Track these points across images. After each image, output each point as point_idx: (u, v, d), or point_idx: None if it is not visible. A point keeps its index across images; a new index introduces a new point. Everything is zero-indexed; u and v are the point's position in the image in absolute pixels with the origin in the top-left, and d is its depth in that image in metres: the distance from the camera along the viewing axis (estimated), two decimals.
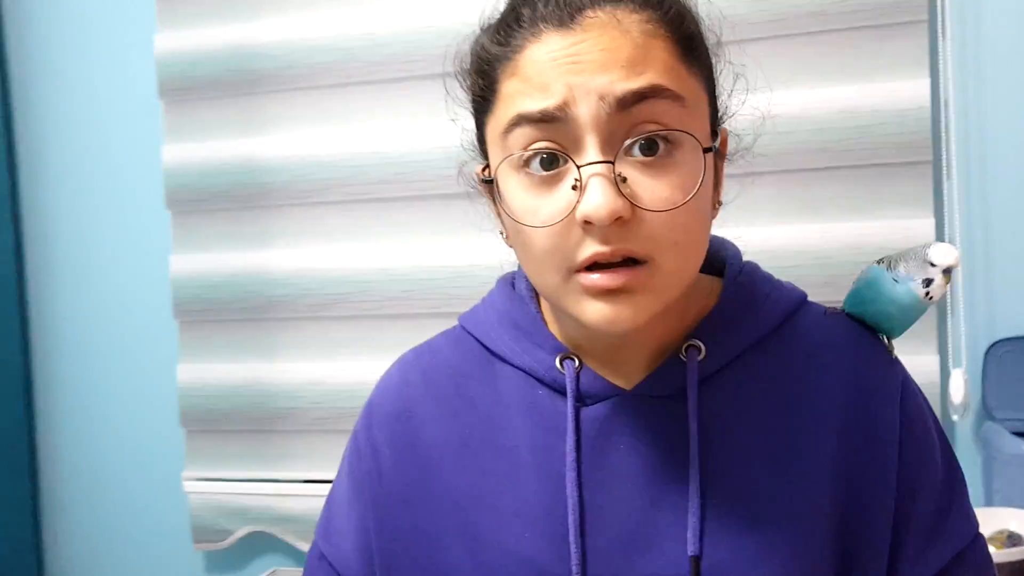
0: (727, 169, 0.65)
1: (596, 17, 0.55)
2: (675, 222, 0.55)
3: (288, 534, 1.67)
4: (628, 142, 0.54)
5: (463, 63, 0.64)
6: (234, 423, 1.70)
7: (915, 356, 1.42)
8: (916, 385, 0.67)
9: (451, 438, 0.67)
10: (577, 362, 0.64)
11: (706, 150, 0.56)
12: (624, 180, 0.54)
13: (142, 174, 1.76)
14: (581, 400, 0.64)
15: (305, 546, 1.62)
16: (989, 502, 1.39)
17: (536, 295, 0.69)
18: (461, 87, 0.64)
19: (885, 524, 0.62)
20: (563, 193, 0.55)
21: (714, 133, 0.61)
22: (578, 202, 0.54)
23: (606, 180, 0.53)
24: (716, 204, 0.62)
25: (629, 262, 0.55)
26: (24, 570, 1.81)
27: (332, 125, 1.66)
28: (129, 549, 1.81)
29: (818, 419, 0.62)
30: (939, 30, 1.43)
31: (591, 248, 0.54)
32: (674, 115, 0.55)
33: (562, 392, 0.64)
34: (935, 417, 0.68)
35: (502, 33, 0.59)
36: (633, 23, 0.56)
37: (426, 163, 1.59)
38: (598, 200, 0.52)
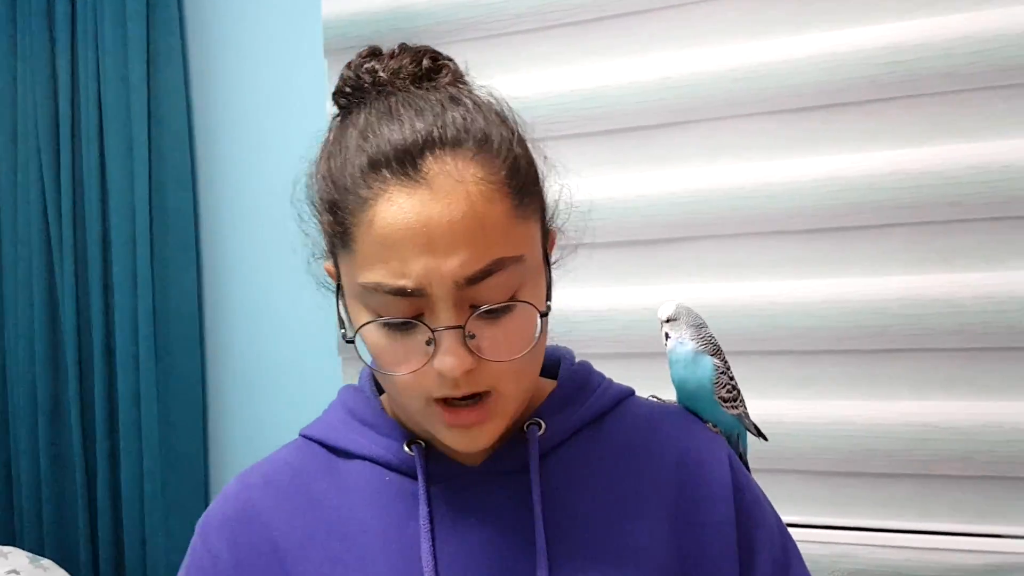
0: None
1: (437, 168, 0.59)
2: (514, 364, 0.61)
3: None
4: (479, 311, 0.60)
5: (310, 192, 0.66)
6: None
7: None
8: (743, 466, 0.75)
9: (296, 533, 0.68)
10: (424, 445, 0.69)
11: (541, 314, 0.62)
12: (472, 336, 0.60)
13: (308, 125, 1.95)
14: (430, 479, 0.68)
15: None
16: None
17: (377, 393, 0.75)
18: (316, 194, 0.65)
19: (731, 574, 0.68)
20: (418, 339, 0.60)
21: (544, 237, 0.68)
22: (433, 355, 0.60)
23: (456, 340, 0.59)
24: (547, 309, 0.66)
25: (477, 395, 0.62)
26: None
27: (480, 75, 1.78)
28: None
29: (653, 486, 0.69)
30: None
31: (444, 390, 0.61)
32: (515, 276, 0.61)
33: (410, 474, 0.68)
34: (765, 497, 0.75)
35: (351, 165, 0.61)
36: (472, 183, 0.59)
37: (559, 106, 1.71)
38: (451, 360, 0.59)
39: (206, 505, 2.02)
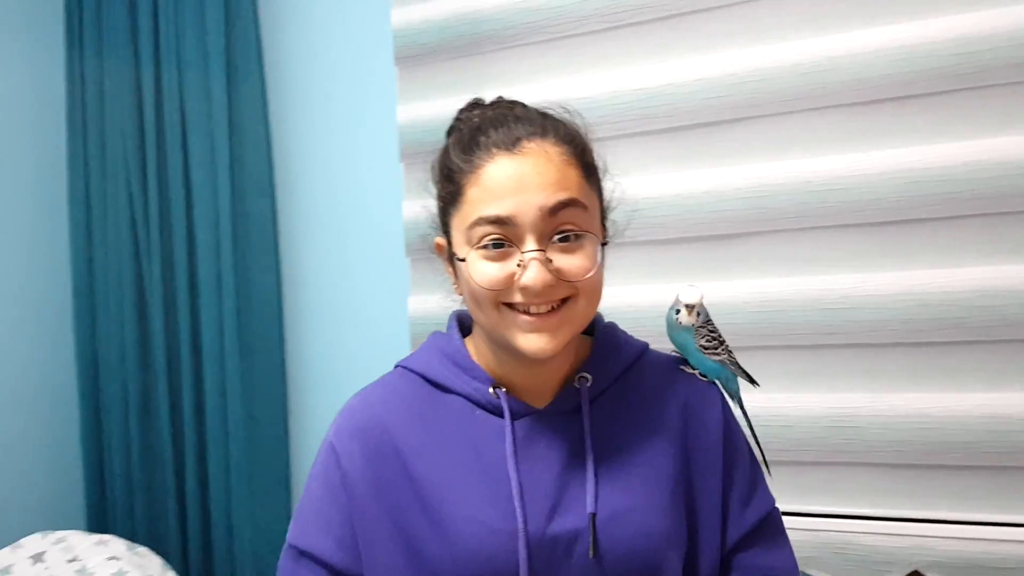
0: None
1: (531, 146, 0.83)
2: (586, 281, 0.83)
3: None
4: (556, 238, 0.82)
5: (432, 172, 0.92)
6: None
7: None
8: (730, 407, 0.98)
9: (412, 441, 0.89)
10: (504, 389, 0.91)
11: (602, 244, 0.86)
12: (550, 261, 0.81)
13: (379, 130, 2.02)
14: (511, 416, 0.89)
15: None
16: None
17: (463, 339, 0.96)
18: (433, 187, 0.92)
19: (717, 485, 0.92)
20: (509, 266, 0.82)
21: (603, 228, 0.90)
22: (519, 275, 0.81)
23: (539, 262, 0.81)
24: (606, 241, 0.90)
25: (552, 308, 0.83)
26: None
27: (546, 77, 1.83)
28: None
29: (666, 421, 0.92)
30: None
31: (527, 301, 0.82)
32: (582, 218, 0.83)
33: (495, 412, 0.90)
34: (743, 433, 0.98)
35: (466, 152, 0.85)
36: (555, 154, 0.83)
37: (625, 104, 1.74)
38: (534, 275, 0.81)
39: (289, 496, 2.11)
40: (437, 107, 1.92)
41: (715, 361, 0.99)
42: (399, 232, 1.99)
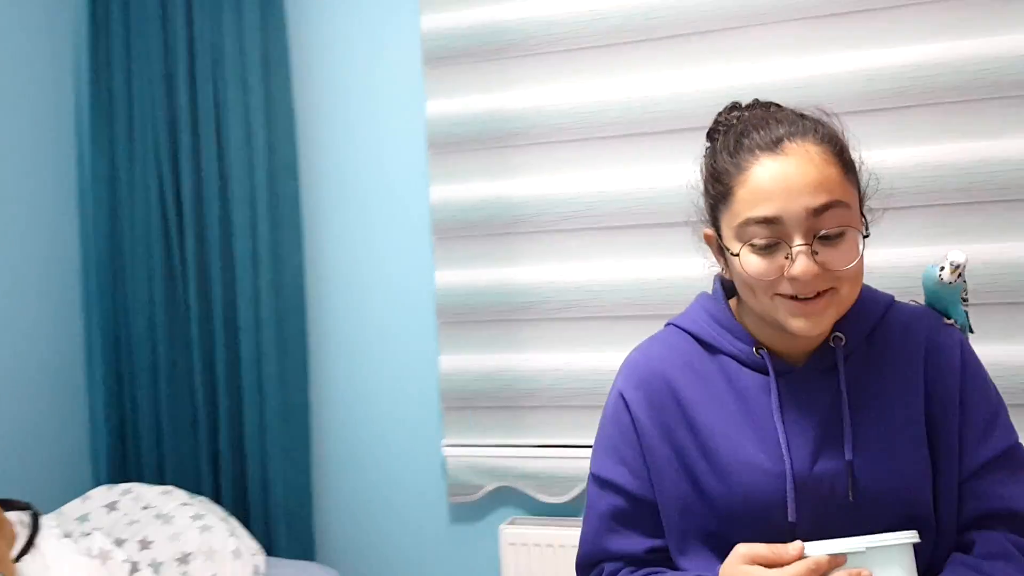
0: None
1: (792, 146, 0.91)
2: (848, 272, 0.92)
3: (528, 488, 2.15)
4: (820, 234, 0.90)
5: (701, 171, 1.02)
6: (488, 401, 2.19)
7: None
8: (972, 350, 1.04)
9: (693, 392, 1.02)
10: (766, 350, 1.01)
11: (864, 236, 0.94)
12: (816, 253, 0.90)
13: (414, 208, 2.27)
14: (774, 373, 1.00)
15: (544, 497, 2.13)
16: None
17: (728, 305, 1.07)
18: (703, 186, 1.01)
19: (955, 424, 0.99)
20: (777, 259, 0.91)
21: (862, 217, 0.97)
22: (788, 267, 0.90)
23: (806, 255, 0.89)
24: (867, 234, 0.98)
25: (819, 294, 0.92)
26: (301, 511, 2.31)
27: (568, 171, 2.13)
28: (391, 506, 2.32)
29: (911, 371, 1.00)
30: None
31: (795, 290, 0.90)
32: (844, 215, 0.91)
33: (758, 369, 1.01)
34: (987, 374, 1.05)
35: (732, 155, 0.95)
36: (815, 154, 0.91)
37: (642, 200, 2.07)
38: (803, 266, 0.89)
39: (309, 454, 2.31)
40: (468, 190, 2.18)
41: (965, 310, 1.08)
42: (425, 213, 2.24)
